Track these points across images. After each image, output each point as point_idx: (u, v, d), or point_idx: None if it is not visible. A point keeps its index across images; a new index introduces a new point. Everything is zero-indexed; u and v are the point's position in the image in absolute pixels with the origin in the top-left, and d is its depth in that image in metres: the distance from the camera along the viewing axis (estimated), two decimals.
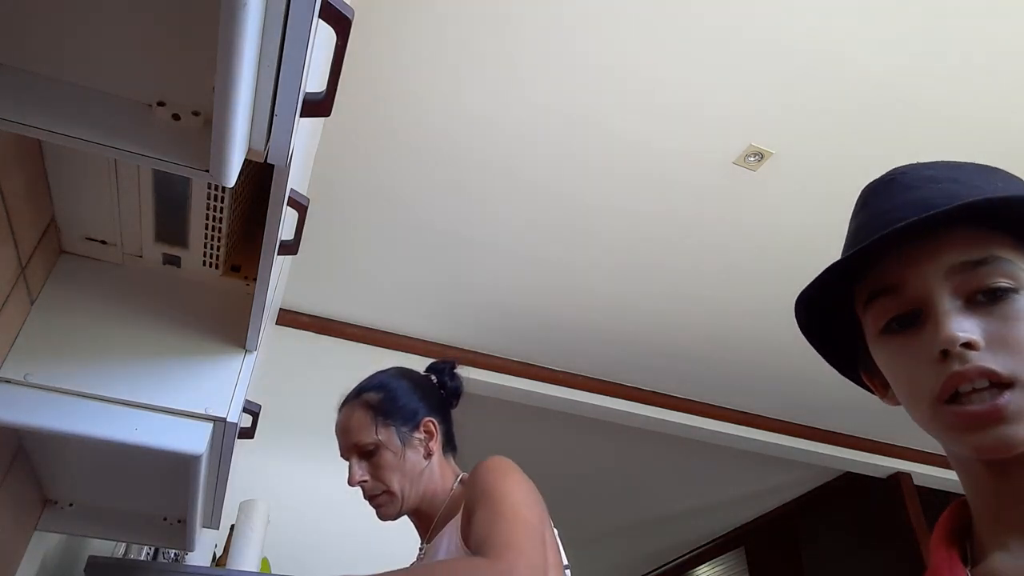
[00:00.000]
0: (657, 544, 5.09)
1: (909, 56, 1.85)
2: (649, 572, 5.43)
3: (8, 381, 0.91)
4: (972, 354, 0.54)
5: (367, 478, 1.27)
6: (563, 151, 2.16)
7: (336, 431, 1.34)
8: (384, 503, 1.27)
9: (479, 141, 2.14)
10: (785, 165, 2.16)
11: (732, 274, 2.56)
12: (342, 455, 1.33)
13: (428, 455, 1.29)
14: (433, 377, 1.42)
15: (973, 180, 0.59)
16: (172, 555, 1.71)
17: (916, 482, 3.63)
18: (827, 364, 0.73)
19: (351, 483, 1.28)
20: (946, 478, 3.65)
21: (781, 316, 2.41)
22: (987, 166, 0.62)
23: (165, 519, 1.30)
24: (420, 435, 1.30)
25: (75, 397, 0.93)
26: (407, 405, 1.31)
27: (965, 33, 1.79)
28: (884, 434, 3.53)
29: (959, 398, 0.54)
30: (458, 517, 1.17)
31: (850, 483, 3.88)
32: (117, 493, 1.25)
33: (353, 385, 1.42)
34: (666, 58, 1.88)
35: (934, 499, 3.69)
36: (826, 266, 0.62)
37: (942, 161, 0.64)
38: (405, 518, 1.32)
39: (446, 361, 1.45)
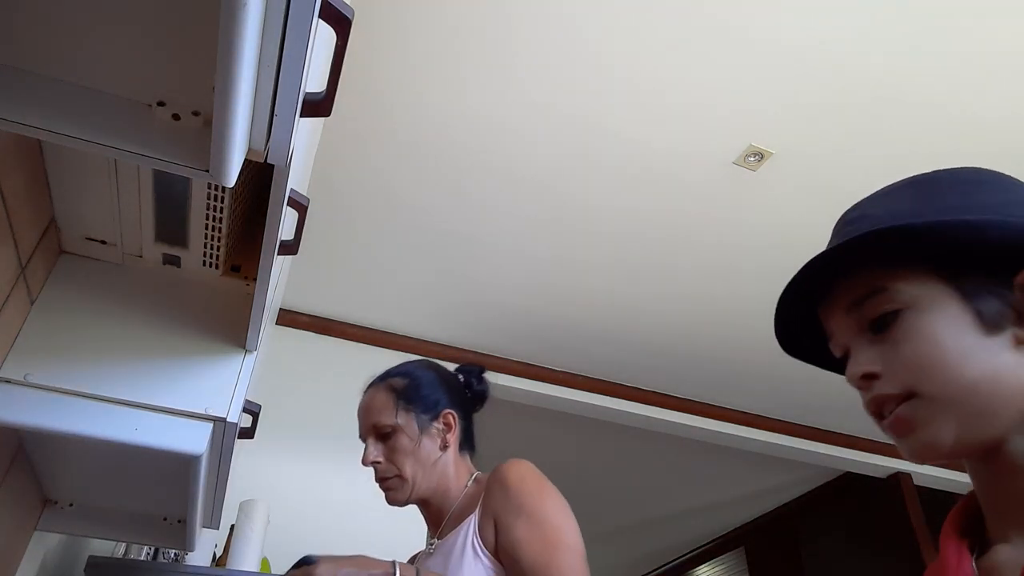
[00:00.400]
0: (657, 544, 5.09)
1: (909, 56, 1.85)
2: (649, 572, 5.43)
3: (8, 381, 0.91)
4: (875, 383, 0.59)
5: (381, 459, 1.27)
6: (563, 151, 2.16)
7: (358, 411, 1.34)
8: (394, 487, 1.27)
9: (479, 141, 2.14)
10: (785, 165, 2.16)
11: (732, 274, 2.56)
12: (360, 435, 1.32)
13: (444, 447, 1.29)
14: (461, 376, 1.42)
15: (898, 205, 0.62)
16: (172, 555, 1.71)
17: (916, 482, 3.63)
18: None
19: (364, 463, 1.28)
20: (946, 478, 3.65)
21: None
22: (912, 179, 0.65)
23: (165, 519, 1.30)
24: (439, 425, 1.30)
25: (75, 397, 0.93)
26: (430, 395, 1.32)
27: (966, 33, 1.79)
28: (884, 434, 3.53)
29: (883, 417, 0.61)
30: (474, 517, 1.17)
31: (850, 483, 3.88)
32: (117, 493, 1.25)
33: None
34: (666, 58, 1.88)
35: (934, 499, 3.68)
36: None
37: (884, 189, 0.67)
38: (412, 514, 1.32)
39: (476, 365, 1.46)
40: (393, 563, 1.03)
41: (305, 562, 1.01)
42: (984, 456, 0.57)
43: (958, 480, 3.67)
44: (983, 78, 1.89)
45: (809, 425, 3.44)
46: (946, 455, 0.57)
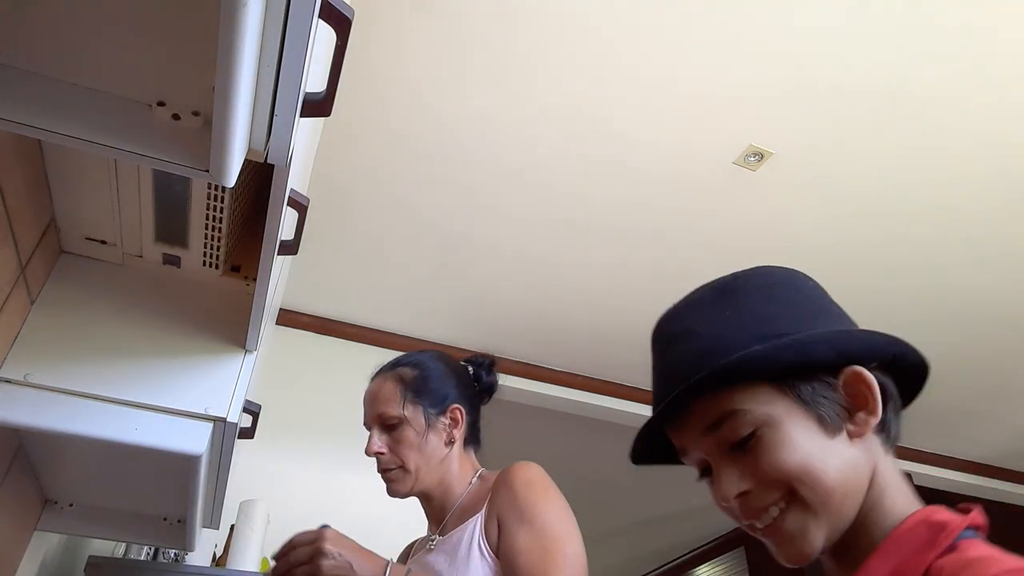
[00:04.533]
0: (657, 544, 5.09)
1: (909, 57, 1.84)
2: (649, 572, 5.42)
3: (8, 381, 0.91)
4: (747, 498, 0.63)
5: (384, 450, 1.25)
6: (563, 150, 2.15)
7: (364, 399, 1.32)
8: (396, 479, 1.25)
9: (479, 140, 2.14)
10: (785, 165, 2.16)
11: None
12: (365, 424, 1.30)
13: (450, 441, 1.28)
14: (471, 369, 1.41)
15: (707, 327, 0.67)
16: (172, 555, 1.71)
17: (916, 482, 3.63)
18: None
19: (368, 452, 1.26)
20: (946, 478, 3.66)
21: None
22: (720, 288, 0.71)
23: (165, 519, 1.30)
24: (446, 420, 1.29)
25: (75, 397, 0.93)
26: (439, 388, 1.30)
27: (966, 33, 1.79)
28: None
29: (757, 527, 0.64)
30: (480, 517, 1.17)
31: None
32: (117, 493, 1.25)
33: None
34: (666, 58, 1.88)
35: (934, 499, 3.67)
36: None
37: (693, 296, 0.73)
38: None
39: (486, 356, 1.43)
40: (387, 564, 1.03)
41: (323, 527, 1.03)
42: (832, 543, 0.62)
43: (958, 480, 3.68)
44: (983, 78, 1.89)
45: None
46: (809, 557, 0.62)
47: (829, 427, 0.62)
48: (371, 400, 1.30)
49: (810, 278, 0.71)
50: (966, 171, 2.14)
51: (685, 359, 0.67)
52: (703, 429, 0.65)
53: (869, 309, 2.70)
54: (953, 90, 1.92)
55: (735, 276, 0.72)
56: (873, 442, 0.64)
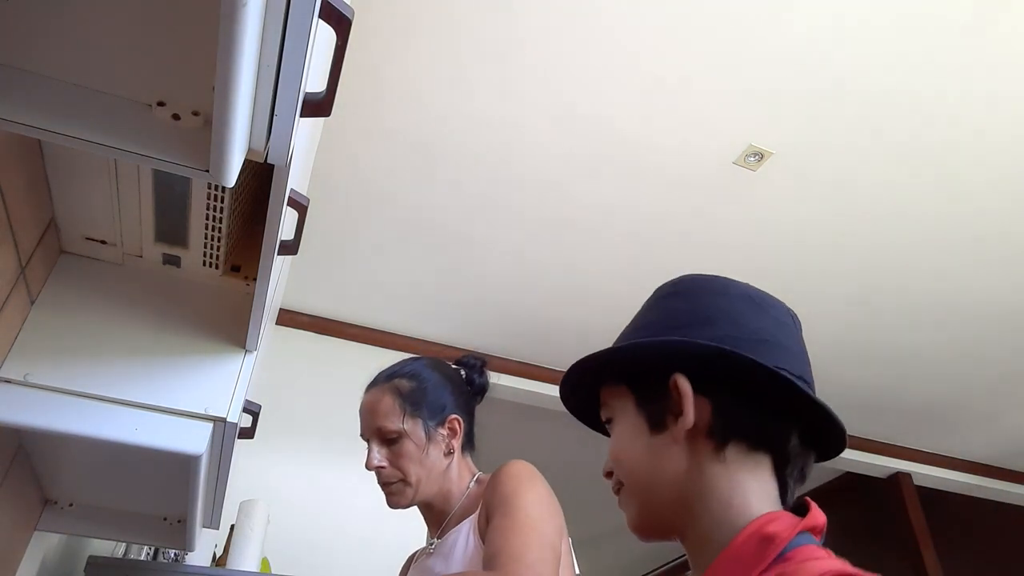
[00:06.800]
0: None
1: (909, 56, 1.84)
2: (649, 572, 5.43)
3: (8, 381, 0.91)
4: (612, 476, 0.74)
5: (385, 464, 1.25)
6: (563, 151, 2.16)
7: (360, 411, 1.31)
8: (397, 491, 1.25)
9: (479, 140, 2.14)
10: (785, 165, 2.16)
11: (732, 274, 2.55)
12: (363, 435, 1.30)
13: (449, 452, 1.28)
14: (463, 371, 1.40)
15: (632, 324, 0.76)
16: (172, 555, 1.71)
17: (916, 482, 3.63)
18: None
19: (368, 467, 1.26)
20: (946, 478, 3.65)
21: None
22: (654, 296, 0.78)
23: (165, 519, 1.30)
24: (444, 431, 1.28)
25: (75, 397, 0.93)
26: (436, 399, 1.29)
27: (966, 33, 1.79)
28: (884, 434, 3.53)
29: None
30: (474, 516, 1.17)
31: (850, 483, 3.88)
32: (117, 493, 1.25)
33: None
34: (666, 58, 1.88)
35: (934, 499, 3.68)
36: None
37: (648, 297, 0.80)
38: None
39: (477, 357, 1.43)
40: None
41: None
42: (681, 538, 0.68)
43: (958, 480, 3.68)
44: (984, 78, 1.89)
45: None
46: (639, 533, 0.71)
47: (654, 427, 0.69)
48: (369, 412, 1.29)
49: (728, 287, 0.74)
50: (966, 171, 2.14)
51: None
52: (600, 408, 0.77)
53: (869, 309, 2.71)
54: (953, 90, 1.92)
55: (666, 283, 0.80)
56: (700, 446, 0.67)
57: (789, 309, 0.74)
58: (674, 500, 0.67)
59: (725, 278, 0.75)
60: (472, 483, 1.28)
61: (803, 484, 0.69)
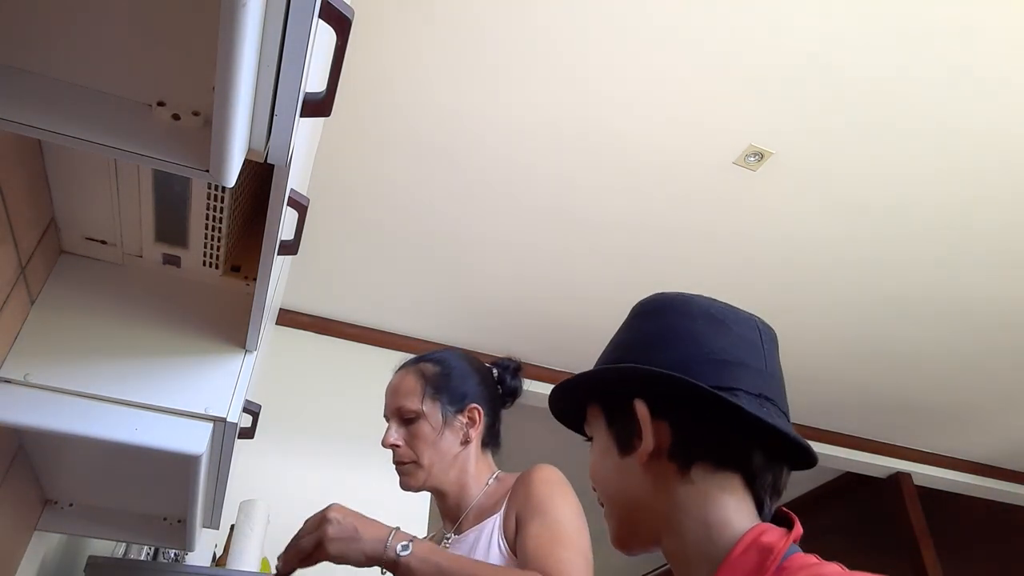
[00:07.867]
0: None
1: (909, 57, 1.84)
2: (649, 572, 5.42)
3: (8, 381, 0.91)
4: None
5: (400, 443, 1.27)
6: (563, 151, 2.15)
7: (386, 391, 1.34)
8: (410, 472, 1.27)
9: (479, 141, 2.14)
10: (785, 165, 2.16)
11: (731, 274, 2.56)
12: (385, 415, 1.32)
13: (466, 441, 1.29)
14: (495, 371, 1.41)
15: (611, 343, 0.78)
16: (172, 555, 1.71)
17: (916, 482, 3.63)
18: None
19: (384, 444, 1.28)
20: (946, 478, 3.65)
21: (780, 316, 2.41)
22: (629, 316, 0.79)
23: (165, 519, 1.30)
24: (463, 419, 1.30)
25: (75, 397, 0.93)
26: (459, 386, 1.31)
27: (965, 34, 1.79)
28: (884, 434, 3.53)
29: None
30: (498, 518, 1.18)
31: (850, 483, 3.88)
32: (117, 493, 1.25)
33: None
34: (666, 58, 1.88)
35: (934, 499, 3.68)
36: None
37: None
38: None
39: (512, 360, 1.45)
40: (392, 529, 1.04)
41: None
42: (664, 553, 0.69)
43: (958, 480, 3.67)
44: (984, 77, 1.89)
45: (809, 425, 3.43)
46: (619, 547, 0.73)
47: (622, 448, 0.71)
48: (392, 392, 1.32)
49: (691, 306, 0.74)
50: (967, 171, 2.14)
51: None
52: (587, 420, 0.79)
53: (869, 309, 2.71)
54: (953, 89, 1.92)
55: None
56: (664, 468, 0.68)
57: (758, 323, 0.74)
58: (650, 518, 0.69)
59: (689, 296, 0.76)
60: (491, 480, 1.29)
61: (779, 497, 0.70)
